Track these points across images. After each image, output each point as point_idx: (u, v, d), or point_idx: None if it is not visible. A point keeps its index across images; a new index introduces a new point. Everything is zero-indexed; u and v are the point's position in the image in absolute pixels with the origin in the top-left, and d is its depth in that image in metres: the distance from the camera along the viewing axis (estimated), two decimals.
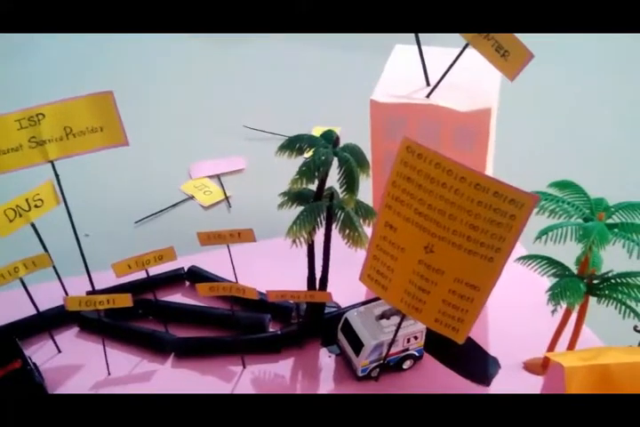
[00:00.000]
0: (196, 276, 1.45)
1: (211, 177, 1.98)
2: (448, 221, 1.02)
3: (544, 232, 1.05)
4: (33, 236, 1.31)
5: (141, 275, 1.29)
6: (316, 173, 1.16)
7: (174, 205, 1.85)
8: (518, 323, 1.33)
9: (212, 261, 1.47)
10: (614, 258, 1.11)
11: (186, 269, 1.46)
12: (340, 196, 1.19)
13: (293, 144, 1.20)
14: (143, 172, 2.01)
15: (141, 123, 1.35)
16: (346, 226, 1.20)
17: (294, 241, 1.20)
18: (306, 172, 1.15)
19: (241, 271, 1.32)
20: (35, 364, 1.16)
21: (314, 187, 1.22)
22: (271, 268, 1.49)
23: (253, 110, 2.28)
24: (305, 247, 1.23)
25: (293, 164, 2.01)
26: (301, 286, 1.30)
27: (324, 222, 1.24)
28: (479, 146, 1.28)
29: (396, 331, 1.16)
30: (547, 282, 1.44)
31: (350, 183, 1.17)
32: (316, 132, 2.07)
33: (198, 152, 2.09)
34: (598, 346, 1.20)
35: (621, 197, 1.12)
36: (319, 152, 1.16)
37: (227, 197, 1.87)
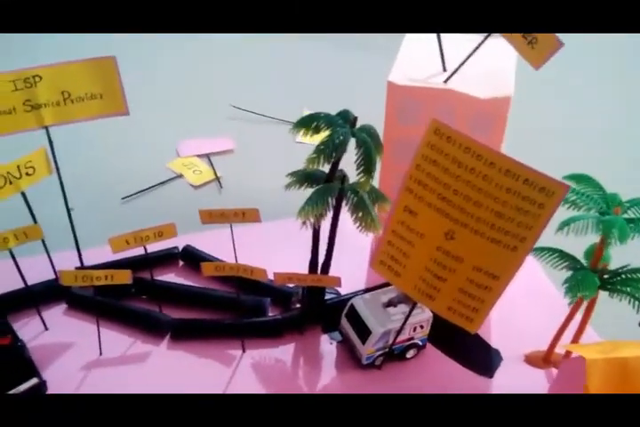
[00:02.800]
0: (190, 256, 1.40)
1: (200, 156, 1.91)
2: (473, 208, 1.00)
3: (566, 223, 1.04)
4: (17, 206, 1.23)
5: (131, 253, 1.23)
6: (334, 154, 1.12)
7: (163, 183, 1.78)
8: (519, 316, 1.33)
9: (202, 241, 1.43)
10: (619, 253, 1.12)
11: (179, 249, 1.41)
12: (356, 178, 1.15)
13: (310, 122, 1.16)
14: (130, 147, 1.93)
15: (131, 99, 1.27)
16: (359, 209, 1.17)
17: (304, 223, 1.16)
18: (324, 151, 1.11)
19: (238, 253, 1.27)
20: (22, 341, 1.08)
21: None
22: (265, 251, 1.45)
23: (242, 91, 2.22)
24: (302, 231, 1.18)
25: (283, 146, 1.99)
26: (299, 270, 1.25)
27: (333, 205, 1.20)
28: (496, 134, 1.26)
29: (406, 319, 1.13)
30: (545, 276, 1.45)
31: (368, 166, 1.13)
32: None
33: (186, 131, 2.02)
34: (609, 340, 1.20)
35: (629, 193, 1.12)
36: (337, 132, 1.12)
37: (217, 178, 1.81)
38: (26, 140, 1.24)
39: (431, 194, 1.04)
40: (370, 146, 1.13)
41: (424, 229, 1.07)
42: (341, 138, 1.11)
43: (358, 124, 1.14)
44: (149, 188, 1.75)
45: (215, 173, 1.82)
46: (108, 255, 1.32)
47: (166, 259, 1.39)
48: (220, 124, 2.07)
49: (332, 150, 1.11)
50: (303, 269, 1.24)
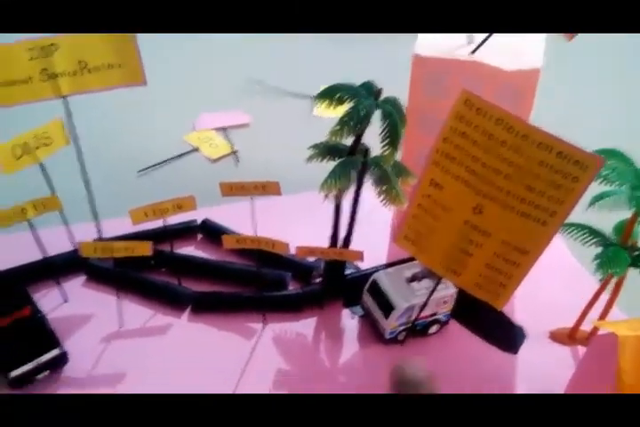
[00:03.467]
0: (209, 229, 1.38)
1: (216, 130, 1.89)
2: (503, 182, 0.97)
3: (598, 198, 1.02)
4: (34, 178, 1.21)
5: (149, 225, 1.22)
6: (358, 126, 1.09)
7: (179, 156, 1.76)
8: (543, 292, 1.30)
9: (220, 215, 1.41)
10: None
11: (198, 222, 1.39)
12: (379, 151, 1.13)
13: (333, 93, 1.13)
14: (147, 120, 1.90)
15: (148, 72, 1.24)
16: (383, 183, 1.14)
17: (327, 196, 1.14)
18: (348, 123, 1.08)
19: (255, 227, 1.25)
20: (41, 312, 1.07)
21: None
22: (284, 225, 1.43)
23: (259, 65, 2.18)
24: (322, 205, 1.15)
25: (299, 120, 1.95)
26: (319, 244, 1.24)
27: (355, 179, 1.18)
28: (523, 107, 1.22)
29: (430, 294, 1.12)
30: (569, 252, 1.42)
31: (393, 138, 1.10)
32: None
33: (203, 104, 1.99)
34: (638, 317, 1.19)
35: None
36: (362, 104, 1.09)
37: (234, 152, 1.78)
38: (42, 110, 1.22)
39: (459, 167, 1.01)
40: (395, 118, 1.10)
41: (451, 204, 1.05)
42: (366, 110, 1.08)
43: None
44: (166, 161, 1.72)
45: (232, 147, 1.80)
46: (126, 228, 1.31)
47: (185, 232, 1.37)
48: (236, 97, 2.04)
49: (356, 122, 1.08)
50: (322, 243, 1.22)
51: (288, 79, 2.09)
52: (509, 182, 0.96)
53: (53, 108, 1.22)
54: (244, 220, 1.22)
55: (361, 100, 1.10)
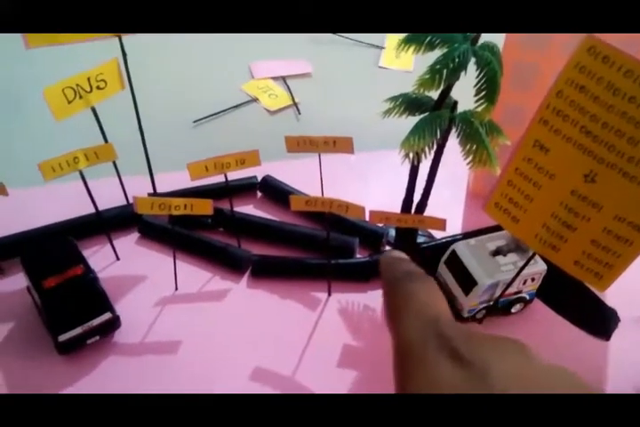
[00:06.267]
0: (270, 187, 1.27)
1: (275, 79, 1.75)
2: (625, 146, 0.82)
3: None
4: (82, 126, 1.11)
5: (204, 181, 1.10)
6: (453, 75, 0.95)
7: (236, 107, 1.64)
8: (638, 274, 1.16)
9: (280, 172, 1.30)
10: None
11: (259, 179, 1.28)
12: (474, 105, 0.98)
13: (422, 37, 0.98)
14: (201, 66, 1.78)
15: None
16: (472, 141, 1.00)
17: (407, 155, 1.01)
18: (440, 71, 0.94)
19: (316, 186, 1.13)
20: (94, 271, 0.99)
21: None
22: (350, 185, 1.31)
23: None
24: (391, 165, 1.02)
25: (364, 71, 1.81)
26: (390, 208, 1.11)
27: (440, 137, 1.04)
28: None
29: (520, 270, 0.99)
30: None
31: (491, 91, 0.96)
32: (390, 39, 1.83)
33: (261, 51, 1.86)
34: None
35: None
36: (457, 49, 0.95)
37: (295, 103, 1.65)
38: (93, 52, 1.12)
39: (572, 127, 0.87)
40: (495, 67, 0.95)
41: (557, 169, 0.90)
42: (463, 56, 0.94)
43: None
44: (222, 111, 1.61)
45: (292, 98, 1.67)
46: (179, 182, 1.22)
47: (244, 189, 1.27)
48: (295, 44, 1.89)
49: (450, 71, 0.94)
50: (389, 207, 1.08)
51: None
52: (634, 148, 0.81)
53: (105, 51, 1.10)
54: (306, 178, 1.11)
55: (455, 45, 0.95)
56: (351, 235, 1.17)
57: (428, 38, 0.98)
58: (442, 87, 0.97)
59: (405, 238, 1.19)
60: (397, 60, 1.77)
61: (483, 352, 0.35)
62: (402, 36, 0.99)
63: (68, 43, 1.07)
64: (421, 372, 0.35)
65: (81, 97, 1.07)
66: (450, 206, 1.29)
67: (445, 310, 0.41)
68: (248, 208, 1.25)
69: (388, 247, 1.20)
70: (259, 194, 1.29)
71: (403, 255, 0.52)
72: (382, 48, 1.80)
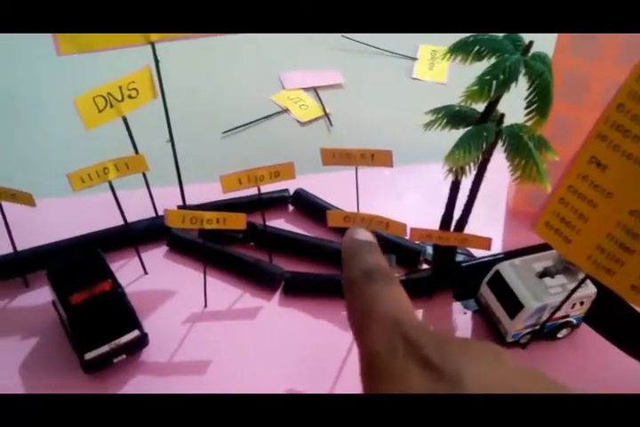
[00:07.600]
0: (303, 201, 1.23)
1: (306, 89, 1.72)
2: None
3: None
4: (109, 135, 1.07)
5: (234, 194, 1.06)
6: (503, 86, 0.90)
7: (266, 117, 1.60)
8: None
9: (312, 185, 1.26)
10: None
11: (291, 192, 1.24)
12: (525, 118, 0.93)
13: (470, 46, 0.93)
14: (232, 77, 1.75)
15: None
16: (520, 156, 0.95)
17: (451, 170, 0.96)
18: (489, 82, 0.89)
19: (350, 201, 1.08)
20: (122, 287, 0.95)
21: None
22: (385, 200, 1.27)
23: None
24: (430, 180, 0.98)
25: (397, 82, 1.77)
26: (423, 224, 1.06)
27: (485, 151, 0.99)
28: None
29: (571, 292, 0.93)
30: None
31: (543, 103, 0.91)
32: (423, 50, 1.78)
33: (292, 61, 1.82)
34: None
35: None
36: (508, 59, 0.90)
37: (327, 114, 1.61)
38: (125, 60, 1.09)
39: (634, 143, 0.81)
40: (547, 78, 0.90)
41: (614, 187, 0.85)
42: (513, 68, 0.89)
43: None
44: (253, 122, 1.57)
45: (324, 109, 1.63)
46: (208, 194, 1.19)
47: (276, 203, 1.23)
48: (327, 55, 1.86)
49: (500, 82, 0.89)
50: (422, 223, 1.03)
51: (384, 36, 1.89)
52: None
53: (136, 60, 1.07)
54: (339, 192, 1.07)
55: (506, 55, 0.91)
56: (386, 252, 1.12)
57: (477, 48, 0.93)
58: (490, 99, 0.93)
59: (444, 256, 1.14)
60: (430, 72, 1.73)
61: (455, 359, 0.32)
62: (435, 46, 0.95)
63: (100, 50, 1.05)
64: (389, 383, 0.33)
65: (112, 106, 1.04)
66: (488, 224, 1.24)
67: (411, 313, 0.38)
68: (279, 222, 1.20)
69: (425, 266, 1.15)
70: (290, 207, 1.25)
71: (367, 237, 0.46)
72: (415, 59, 1.76)
